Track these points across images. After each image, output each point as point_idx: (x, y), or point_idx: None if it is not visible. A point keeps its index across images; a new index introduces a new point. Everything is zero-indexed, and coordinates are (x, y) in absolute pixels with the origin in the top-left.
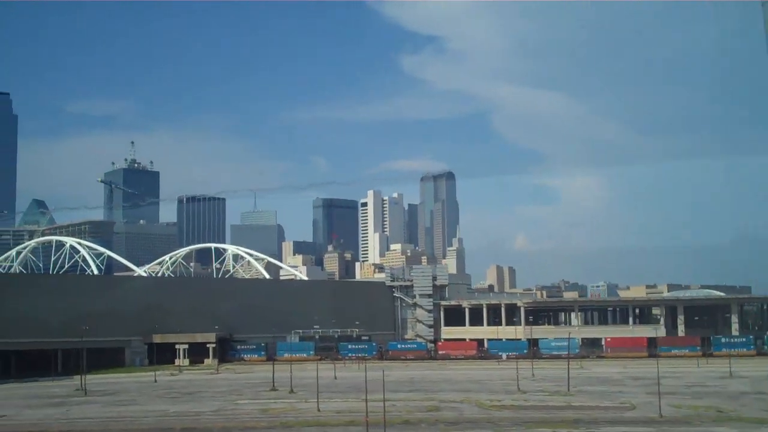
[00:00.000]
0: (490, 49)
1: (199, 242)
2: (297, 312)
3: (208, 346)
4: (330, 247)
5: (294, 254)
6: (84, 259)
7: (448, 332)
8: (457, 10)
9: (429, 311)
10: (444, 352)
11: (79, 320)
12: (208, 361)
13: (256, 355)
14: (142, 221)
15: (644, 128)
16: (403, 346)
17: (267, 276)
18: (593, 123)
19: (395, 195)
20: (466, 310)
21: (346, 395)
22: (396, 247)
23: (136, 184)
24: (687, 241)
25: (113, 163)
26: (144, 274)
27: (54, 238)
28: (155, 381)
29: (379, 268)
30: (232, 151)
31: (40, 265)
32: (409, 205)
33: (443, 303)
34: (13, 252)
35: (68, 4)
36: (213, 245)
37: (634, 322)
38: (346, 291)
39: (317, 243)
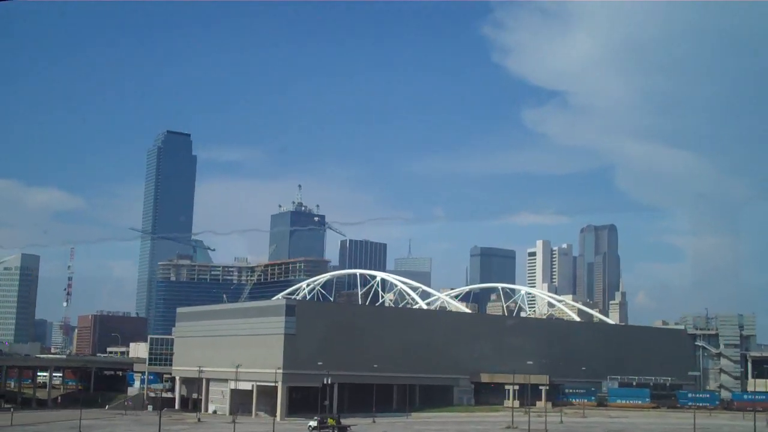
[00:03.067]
0: (615, 104)
1: (362, 286)
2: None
3: (540, 388)
4: (493, 296)
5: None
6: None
7: (757, 384)
8: (582, 65)
9: (735, 362)
10: None
11: (411, 355)
12: (540, 404)
13: (585, 400)
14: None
15: None
16: (748, 396)
17: (424, 306)
18: (722, 181)
19: (564, 246)
20: None
21: None
22: (565, 297)
23: (303, 227)
24: None
25: (280, 206)
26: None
27: (356, 271)
28: (561, 422)
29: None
30: (361, 200)
31: (331, 298)
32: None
33: (752, 354)
34: (304, 284)
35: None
36: (358, 271)
37: None
38: (628, 336)
39: (473, 292)
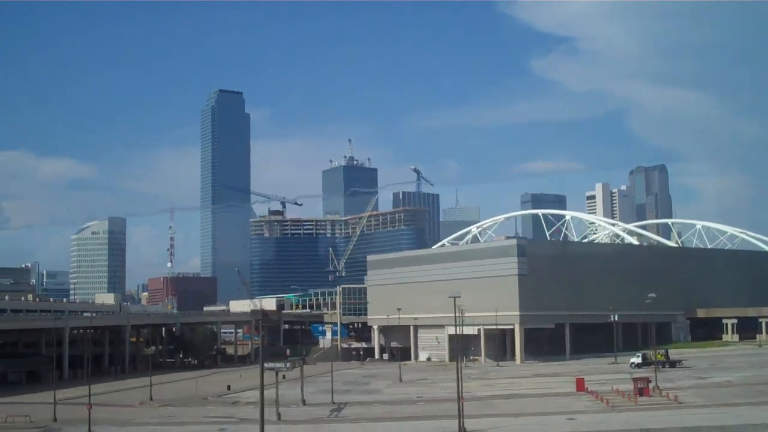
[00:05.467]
0: (623, 49)
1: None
2: None
3: (760, 320)
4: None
5: None
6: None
7: None
8: (589, 11)
9: None
10: None
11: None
12: (761, 337)
13: None
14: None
15: None
16: None
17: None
18: (734, 121)
19: (623, 188)
20: None
21: None
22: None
23: (356, 181)
24: None
25: (331, 161)
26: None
27: (539, 211)
28: None
29: None
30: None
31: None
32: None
33: None
34: (473, 228)
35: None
36: (541, 211)
37: None
38: None
39: (527, 239)
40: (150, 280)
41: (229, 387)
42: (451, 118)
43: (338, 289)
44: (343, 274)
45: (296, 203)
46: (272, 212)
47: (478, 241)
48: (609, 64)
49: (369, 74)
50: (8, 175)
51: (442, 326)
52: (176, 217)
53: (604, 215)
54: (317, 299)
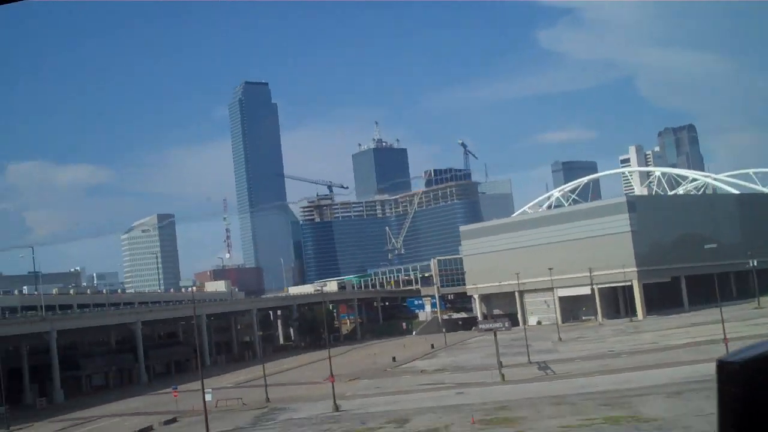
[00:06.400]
0: (628, 16)
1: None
2: None
3: None
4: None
5: None
6: None
7: None
8: None
9: None
10: None
11: (742, 242)
12: None
13: None
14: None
15: None
16: None
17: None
18: (748, 78)
19: (657, 149)
20: None
21: None
22: None
23: (387, 162)
24: None
25: (360, 145)
26: None
27: (623, 169)
28: None
29: None
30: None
31: None
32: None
33: None
34: (555, 192)
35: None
36: (626, 169)
37: None
38: None
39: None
40: (196, 275)
41: (394, 358)
42: (462, 96)
43: (434, 260)
44: (402, 252)
45: (342, 186)
46: (321, 197)
47: (563, 205)
48: (614, 31)
49: (377, 59)
50: (34, 185)
51: (550, 289)
52: (211, 213)
53: (640, 177)
54: (414, 275)
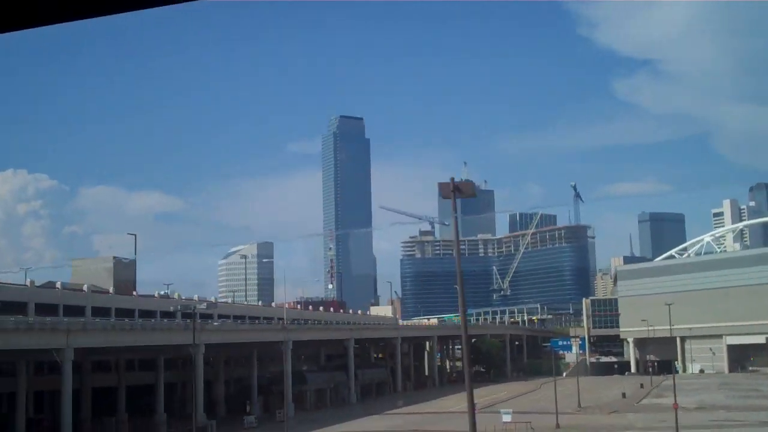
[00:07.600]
0: (708, 69)
1: None
2: None
3: None
4: None
5: None
6: None
7: None
8: (671, 31)
9: None
10: None
11: None
12: None
13: None
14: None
15: None
16: None
17: None
18: None
19: (752, 203)
20: None
21: None
22: None
23: (474, 203)
24: None
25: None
26: None
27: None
28: None
29: None
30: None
31: None
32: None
33: None
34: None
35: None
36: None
37: None
38: None
39: (645, 258)
40: (278, 305)
41: (624, 394)
42: (532, 141)
43: (586, 301)
44: (508, 293)
45: (444, 223)
46: (423, 233)
47: (714, 251)
48: (692, 85)
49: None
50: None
51: (718, 336)
52: (299, 242)
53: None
54: (557, 315)
